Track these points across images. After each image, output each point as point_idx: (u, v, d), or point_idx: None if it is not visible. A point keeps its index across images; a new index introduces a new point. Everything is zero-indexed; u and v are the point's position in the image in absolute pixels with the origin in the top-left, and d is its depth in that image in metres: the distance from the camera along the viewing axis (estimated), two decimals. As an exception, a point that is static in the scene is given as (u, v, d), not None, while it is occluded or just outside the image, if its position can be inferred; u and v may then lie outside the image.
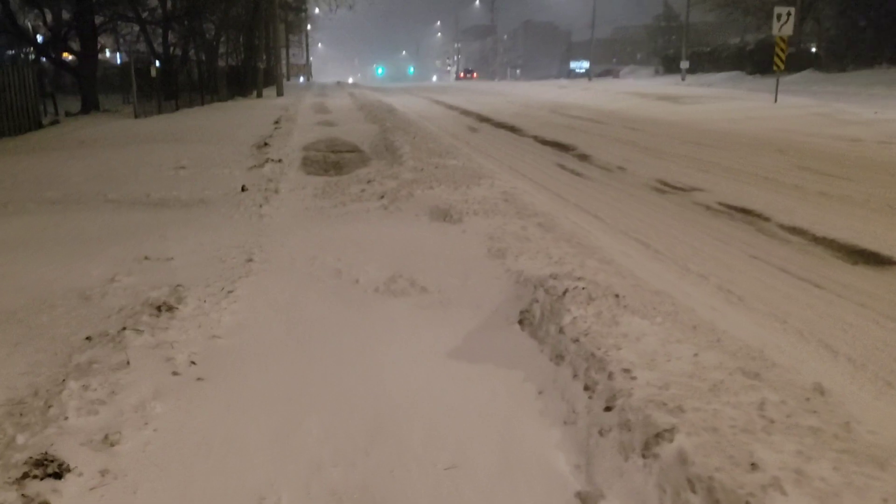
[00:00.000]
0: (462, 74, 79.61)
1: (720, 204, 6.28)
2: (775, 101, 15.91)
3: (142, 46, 22.79)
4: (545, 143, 11.47)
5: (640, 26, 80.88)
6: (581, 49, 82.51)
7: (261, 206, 6.30)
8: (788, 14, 15.02)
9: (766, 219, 5.66)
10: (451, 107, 21.93)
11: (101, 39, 24.64)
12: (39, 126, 13.12)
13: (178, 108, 17.05)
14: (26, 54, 19.67)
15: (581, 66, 69.71)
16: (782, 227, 5.40)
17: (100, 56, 25.54)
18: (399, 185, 7.07)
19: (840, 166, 8.02)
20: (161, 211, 6.06)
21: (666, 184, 7.38)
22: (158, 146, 9.91)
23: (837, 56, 32.36)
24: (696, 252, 4.79)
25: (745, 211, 5.97)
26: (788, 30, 15.13)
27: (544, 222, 5.18)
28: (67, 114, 16.83)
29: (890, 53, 30.61)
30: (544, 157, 9.76)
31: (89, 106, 18.70)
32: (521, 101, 23.68)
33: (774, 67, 15.92)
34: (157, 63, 21.32)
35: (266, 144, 10.08)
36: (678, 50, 51.38)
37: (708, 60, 45.56)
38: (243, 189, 7.03)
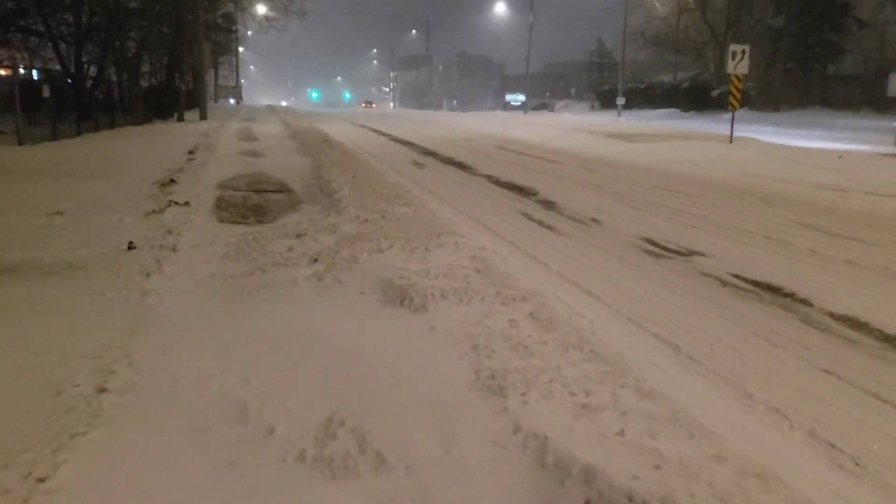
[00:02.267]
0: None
1: (735, 277, 5.08)
2: (731, 141, 15.26)
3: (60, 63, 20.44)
4: (501, 184, 10.22)
5: (571, 62, 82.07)
6: (514, 82, 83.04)
7: (148, 274, 4.71)
8: (743, 52, 14.43)
9: (805, 302, 4.47)
10: (391, 138, 20.59)
11: (12, 53, 22.12)
12: None
13: (79, 133, 15.00)
14: None
15: (517, 98, 69.68)
16: (833, 316, 4.21)
17: (12, 73, 22.96)
18: (338, 243, 5.62)
19: (844, 224, 7.02)
20: (5, 283, 4.39)
21: (655, 244, 6.18)
22: (37, 183, 8.10)
23: (769, 97, 32.88)
24: (744, 361, 3.52)
25: (771, 289, 4.77)
26: (744, 68, 14.52)
27: (536, 311, 3.81)
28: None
29: (819, 95, 31.33)
30: (505, 203, 8.47)
31: (-23, 127, 16.49)
32: (464, 134, 22.57)
33: (730, 107, 15.29)
34: (70, 81, 19.15)
35: (173, 181, 8.40)
36: (613, 86, 51.86)
37: (642, 97, 46.03)
38: (130, 247, 5.41)
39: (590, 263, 5.50)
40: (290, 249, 5.57)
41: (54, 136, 13.45)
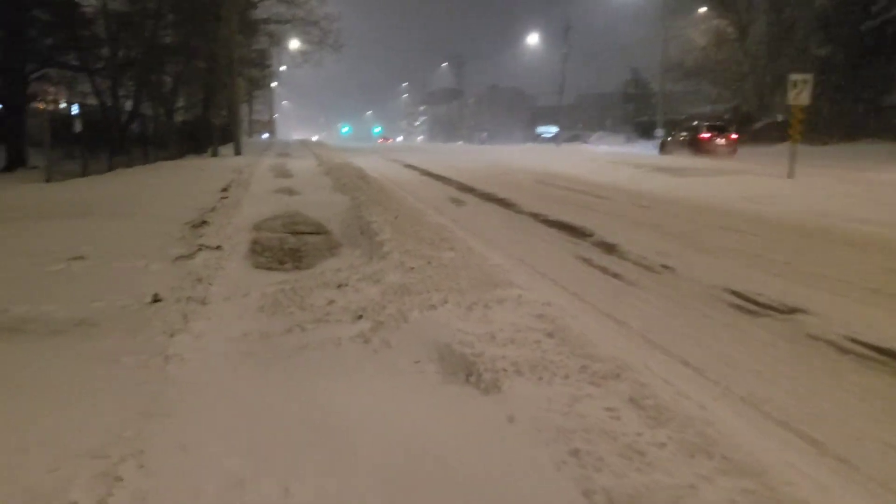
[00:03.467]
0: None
1: (853, 342, 4.29)
2: (789, 176, 14.40)
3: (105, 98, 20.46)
4: (550, 223, 9.52)
5: (604, 94, 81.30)
6: (546, 114, 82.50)
7: (173, 334, 4.11)
8: (805, 82, 13.62)
9: (958, 380, 3.68)
10: (425, 172, 20.07)
11: (47, 88, 22.32)
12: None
13: (111, 169, 14.72)
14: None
15: (549, 130, 68.88)
16: None
17: (51, 107, 23.19)
18: (383, 295, 4.99)
19: (953, 274, 6.19)
20: (8, 345, 3.82)
21: (744, 297, 5.41)
22: (58, 223, 7.65)
23: (818, 129, 31.76)
24: (912, 465, 2.75)
25: (905, 359, 3.99)
26: (805, 99, 13.69)
27: (637, 395, 3.11)
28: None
29: (871, 129, 30.17)
30: (558, 246, 7.78)
31: (15, 162, 16.44)
32: (499, 168, 21.97)
33: (790, 140, 14.46)
34: (105, 115, 19.11)
35: (204, 223, 7.88)
36: (650, 117, 51.03)
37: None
38: (155, 299, 4.83)
39: (674, 323, 4.76)
40: (330, 302, 4.94)
41: (84, 172, 13.14)
